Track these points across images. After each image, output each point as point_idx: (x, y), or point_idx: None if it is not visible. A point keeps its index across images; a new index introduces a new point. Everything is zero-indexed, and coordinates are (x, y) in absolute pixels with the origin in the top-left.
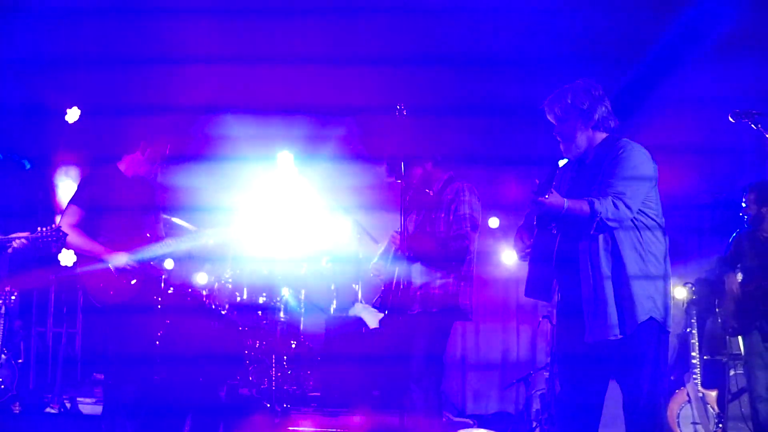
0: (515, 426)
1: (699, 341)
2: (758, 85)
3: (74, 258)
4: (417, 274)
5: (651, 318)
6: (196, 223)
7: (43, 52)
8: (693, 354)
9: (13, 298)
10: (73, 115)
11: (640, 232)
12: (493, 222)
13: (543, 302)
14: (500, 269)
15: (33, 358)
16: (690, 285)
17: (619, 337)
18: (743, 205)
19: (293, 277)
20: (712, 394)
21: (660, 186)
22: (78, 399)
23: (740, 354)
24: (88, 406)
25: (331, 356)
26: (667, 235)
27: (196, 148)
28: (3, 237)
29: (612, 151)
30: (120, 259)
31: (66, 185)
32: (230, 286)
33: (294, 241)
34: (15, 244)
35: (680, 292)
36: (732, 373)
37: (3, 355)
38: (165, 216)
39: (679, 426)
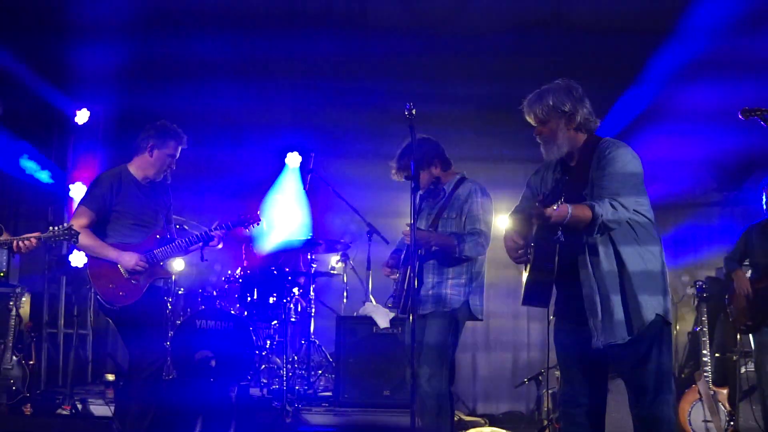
0: (526, 425)
1: (710, 339)
2: None
3: (85, 259)
4: (429, 272)
5: (656, 315)
6: (205, 223)
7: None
8: (704, 352)
9: (24, 299)
10: (82, 116)
11: (635, 231)
12: (503, 222)
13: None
14: (510, 268)
15: (44, 360)
16: (700, 283)
17: (627, 340)
18: (764, 201)
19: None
20: (723, 391)
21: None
22: (89, 400)
23: (751, 351)
24: (100, 408)
25: (342, 356)
26: (657, 228)
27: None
28: (15, 237)
29: (598, 153)
30: (130, 260)
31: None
32: (241, 286)
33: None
34: (26, 243)
35: (686, 278)
36: (743, 370)
37: (14, 357)
38: (175, 217)
39: (690, 424)
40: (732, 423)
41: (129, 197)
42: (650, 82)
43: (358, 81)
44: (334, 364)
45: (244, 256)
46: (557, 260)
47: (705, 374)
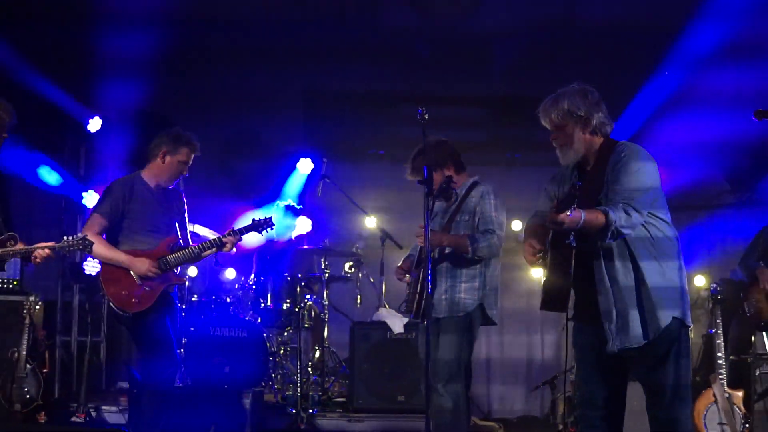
0: (541, 429)
1: (724, 341)
2: None
3: (98, 267)
4: (442, 276)
5: (673, 318)
6: (219, 229)
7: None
8: (719, 354)
9: (37, 307)
10: (95, 124)
11: (651, 235)
12: (516, 225)
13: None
14: (525, 271)
15: (58, 367)
16: (715, 285)
17: (643, 343)
18: None
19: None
20: (739, 394)
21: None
22: (103, 408)
23: (766, 353)
24: (114, 415)
25: (356, 362)
26: (675, 230)
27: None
28: (29, 246)
29: (613, 157)
30: (142, 266)
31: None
32: (254, 293)
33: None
34: (41, 253)
35: (699, 280)
36: (758, 372)
37: (28, 365)
38: (188, 223)
39: (705, 426)
40: (747, 425)
41: (142, 204)
42: (660, 82)
43: (370, 85)
44: (348, 370)
45: (256, 261)
46: (573, 265)
47: (720, 377)
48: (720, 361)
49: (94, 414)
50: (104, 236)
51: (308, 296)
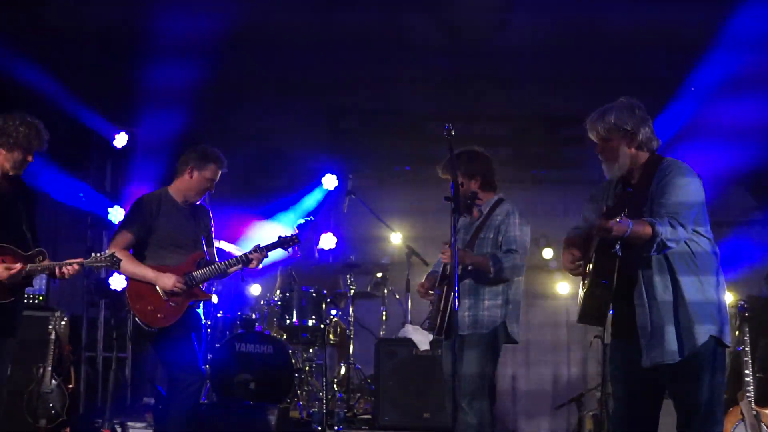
0: None
1: (752, 359)
2: None
3: (124, 283)
4: (465, 294)
5: (710, 336)
6: (244, 246)
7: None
8: (746, 372)
9: (63, 323)
10: (121, 139)
11: (692, 250)
12: (547, 253)
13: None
14: (551, 288)
15: (83, 383)
16: (742, 302)
17: (678, 360)
18: None
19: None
20: (766, 412)
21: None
22: (128, 423)
23: None
24: (139, 431)
25: (381, 378)
26: (717, 248)
27: (244, 172)
28: (58, 263)
29: (659, 172)
30: (168, 282)
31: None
32: (280, 309)
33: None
34: (68, 269)
35: (727, 297)
36: None
37: (53, 380)
38: (213, 239)
39: None
40: None
41: (168, 219)
42: (688, 97)
43: (395, 101)
44: (373, 387)
45: (280, 278)
46: (616, 278)
47: (747, 394)
48: (747, 379)
49: (119, 430)
50: (131, 251)
51: (334, 312)
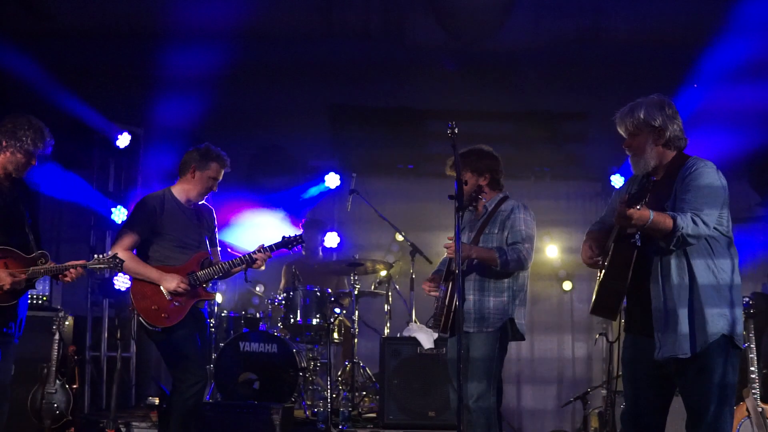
0: None
1: (756, 355)
2: None
3: (128, 282)
4: (471, 290)
5: (722, 335)
6: (247, 245)
7: None
8: (751, 368)
9: (67, 323)
10: (123, 140)
11: (712, 248)
12: (551, 250)
13: (600, 319)
14: (555, 286)
15: (87, 383)
16: (747, 299)
17: (689, 355)
18: None
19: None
20: None
21: None
22: (133, 423)
23: None
24: (144, 431)
25: (386, 377)
26: (735, 248)
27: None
28: (60, 265)
29: (684, 170)
30: (172, 282)
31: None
32: (284, 308)
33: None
34: (72, 272)
35: None
36: None
37: (58, 381)
38: (218, 239)
39: None
40: None
41: (172, 219)
42: (690, 94)
43: (398, 100)
44: (378, 385)
45: (284, 277)
46: (632, 270)
47: (753, 391)
48: (753, 376)
49: (123, 430)
50: (135, 251)
51: (338, 311)
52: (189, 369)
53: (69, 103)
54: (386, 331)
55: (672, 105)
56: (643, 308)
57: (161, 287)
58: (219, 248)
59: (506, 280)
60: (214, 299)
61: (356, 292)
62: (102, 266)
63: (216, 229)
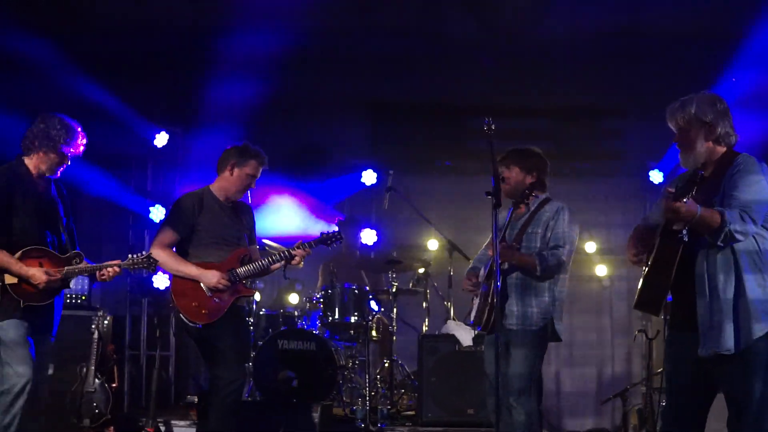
0: None
1: None
2: None
3: (167, 281)
4: (513, 289)
5: (766, 333)
6: (285, 243)
7: None
8: None
9: (106, 322)
10: (161, 139)
11: (759, 246)
12: (590, 247)
13: (639, 316)
14: (594, 283)
15: (126, 382)
16: None
17: (733, 351)
18: None
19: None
20: None
21: None
22: (172, 422)
23: None
24: (183, 429)
25: (425, 375)
26: None
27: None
28: (95, 265)
29: (733, 166)
30: (212, 278)
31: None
32: (322, 306)
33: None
34: (108, 271)
35: None
36: None
37: (97, 379)
38: (256, 236)
39: None
40: None
41: (211, 217)
42: (729, 88)
43: (436, 96)
44: (416, 383)
45: (322, 275)
46: (677, 265)
47: None
48: None
49: (163, 428)
50: (174, 249)
51: (376, 309)
52: (227, 367)
53: (107, 102)
54: (424, 328)
55: (723, 101)
56: (688, 304)
57: (201, 284)
58: (258, 246)
59: (548, 282)
60: (254, 296)
61: (394, 290)
62: (136, 266)
63: (255, 227)
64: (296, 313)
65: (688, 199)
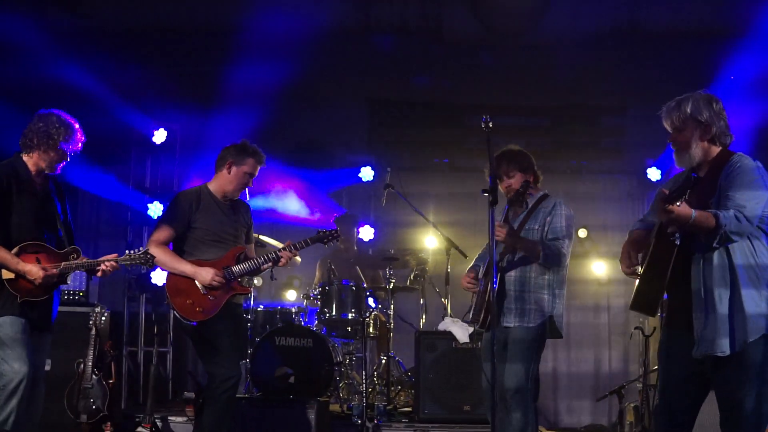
0: None
1: None
2: None
3: (163, 277)
4: (511, 286)
5: (762, 335)
6: (283, 240)
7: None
8: None
9: (104, 318)
10: (160, 136)
11: (754, 246)
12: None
13: (636, 313)
14: (591, 280)
15: (124, 378)
16: None
17: (727, 353)
18: None
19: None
20: None
21: None
22: (169, 418)
23: None
24: (180, 425)
25: (421, 371)
26: None
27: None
28: (92, 260)
29: (728, 166)
30: (207, 275)
31: (155, 207)
32: (319, 303)
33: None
34: (104, 267)
35: None
36: None
37: (94, 376)
38: (253, 234)
39: None
40: None
41: (208, 214)
42: (727, 87)
43: (434, 94)
44: (413, 380)
45: (319, 272)
46: (672, 266)
47: None
48: None
49: (160, 424)
50: (170, 246)
51: (373, 305)
52: (223, 364)
53: (107, 100)
54: (421, 325)
55: (719, 101)
56: (683, 305)
57: (196, 281)
58: (254, 244)
59: (547, 277)
60: (250, 294)
61: (391, 287)
62: (134, 261)
63: (252, 225)
64: (294, 310)
65: (682, 202)
